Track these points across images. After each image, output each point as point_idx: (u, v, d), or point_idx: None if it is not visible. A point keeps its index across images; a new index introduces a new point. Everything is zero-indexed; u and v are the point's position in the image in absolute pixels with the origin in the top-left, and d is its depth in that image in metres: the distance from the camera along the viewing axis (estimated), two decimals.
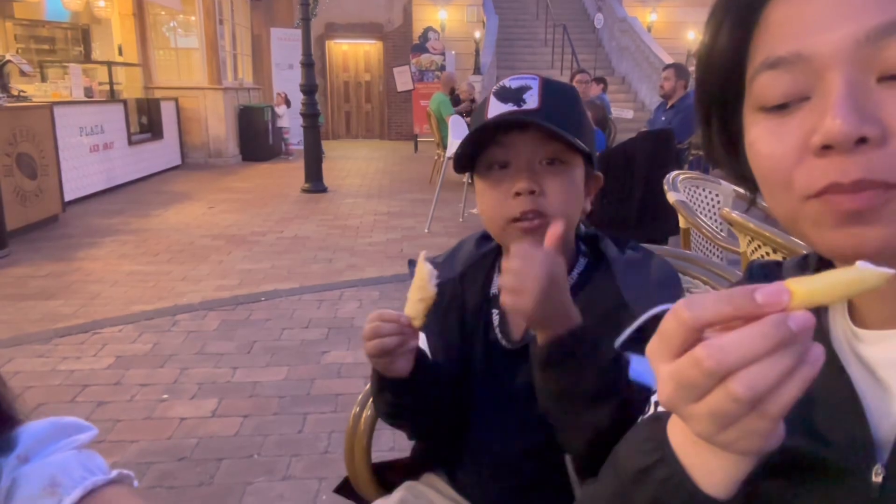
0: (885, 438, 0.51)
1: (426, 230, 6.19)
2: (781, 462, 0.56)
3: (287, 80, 13.08)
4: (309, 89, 8.36)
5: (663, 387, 0.42)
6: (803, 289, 0.39)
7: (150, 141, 9.79)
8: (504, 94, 0.95)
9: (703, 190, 2.65)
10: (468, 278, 1.11)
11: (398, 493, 1.16)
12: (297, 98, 12.36)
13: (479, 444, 1.06)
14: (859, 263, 0.40)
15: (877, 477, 0.50)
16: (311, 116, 8.45)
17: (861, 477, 0.50)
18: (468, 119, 9.03)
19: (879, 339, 0.53)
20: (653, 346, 0.43)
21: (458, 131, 7.04)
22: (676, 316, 0.41)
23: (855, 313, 0.56)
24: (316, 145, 8.47)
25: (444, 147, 7.67)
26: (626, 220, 4.69)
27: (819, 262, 0.61)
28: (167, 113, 10.46)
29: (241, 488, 2.30)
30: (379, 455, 1.25)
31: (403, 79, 14.21)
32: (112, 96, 9.22)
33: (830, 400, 0.54)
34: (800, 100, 0.49)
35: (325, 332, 3.75)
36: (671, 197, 2.46)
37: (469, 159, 0.98)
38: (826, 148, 0.46)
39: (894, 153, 0.45)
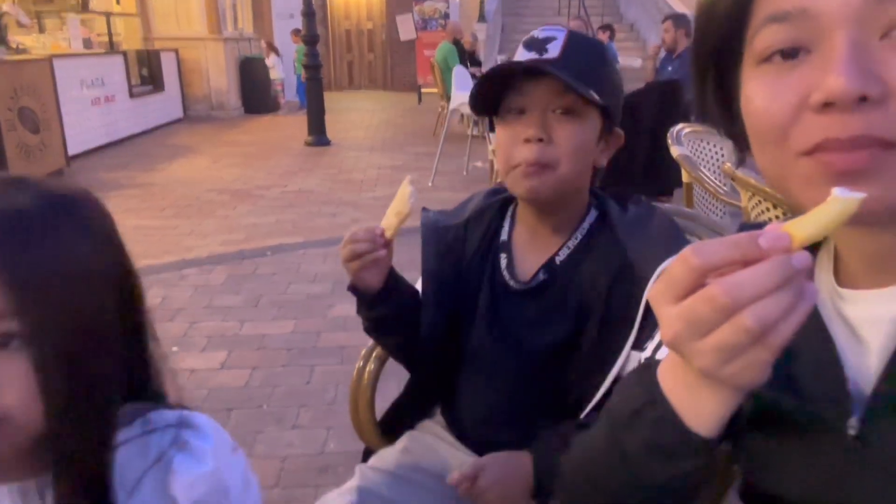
0: (861, 393, 0.53)
1: (430, 184, 6.17)
2: (764, 415, 0.59)
3: (288, 30, 12.82)
4: (311, 39, 8.23)
5: (669, 327, 0.45)
6: (799, 230, 0.43)
7: (152, 93, 9.70)
8: (530, 43, 0.98)
9: (707, 143, 2.64)
10: (472, 224, 1.15)
11: (401, 443, 1.21)
12: (284, 44, 12.10)
13: (480, 385, 1.11)
14: (836, 190, 0.44)
15: (851, 430, 0.52)
16: (313, 68, 8.33)
17: (837, 430, 0.53)
18: (473, 70, 8.90)
19: (861, 298, 0.55)
20: (658, 289, 0.46)
21: (461, 83, 6.94)
22: (685, 261, 0.44)
23: (839, 273, 0.58)
24: (318, 98, 8.38)
25: (448, 99, 7.57)
26: (632, 172, 4.66)
27: None
28: (167, 64, 10.32)
29: (251, 437, 2.38)
30: (382, 407, 1.30)
31: (406, 27, 13.93)
32: (111, 48, 9.09)
33: (812, 356, 0.56)
34: (800, 55, 0.49)
35: (331, 285, 3.80)
36: (675, 151, 2.45)
37: (491, 103, 1.01)
38: (826, 105, 0.46)
39: (892, 111, 0.45)
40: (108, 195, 5.82)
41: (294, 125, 9.91)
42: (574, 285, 1.02)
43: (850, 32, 0.46)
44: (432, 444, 1.19)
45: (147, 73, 9.84)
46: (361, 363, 1.36)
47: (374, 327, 1.15)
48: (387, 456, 1.19)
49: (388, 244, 1.04)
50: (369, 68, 17.00)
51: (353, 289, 1.10)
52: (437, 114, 9.29)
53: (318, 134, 8.44)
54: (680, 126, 2.56)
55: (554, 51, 0.96)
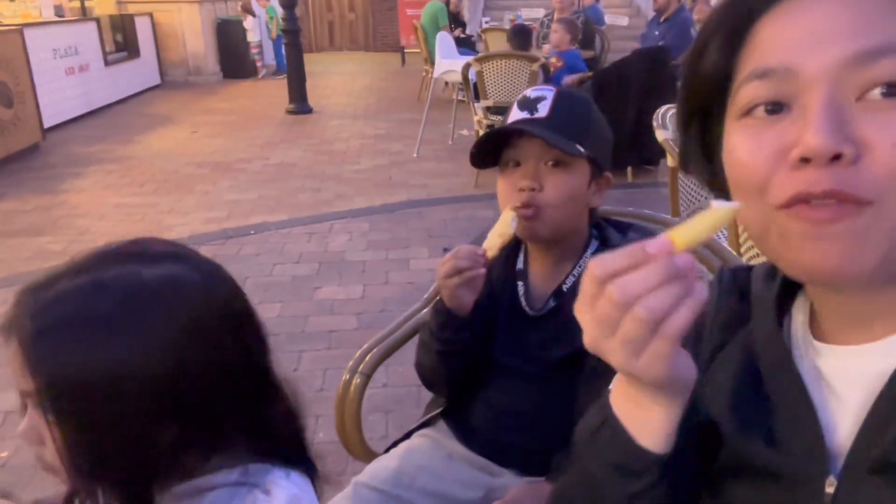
0: (839, 449, 0.54)
1: (415, 154, 6.11)
2: (741, 466, 0.60)
3: None
4: (289, 2, 7.99)
5: (587, 332, 0.51)
6: (681, 235, 0.49)
7: (127, 60, 9.44)
8: (523, 103, 1.11)
9: None
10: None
11: (395, 456, 1.23)
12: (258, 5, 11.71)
13: (492, 391, 1.18)
14: (714, 203, 0.51)
15: (829, 487, 0.53)
16: (292, 32, 8.12)
17: (815, 486, 0.54)
18: (457, 32, 8.73)
19: (838, 353, 0.56)
20: (577, 304, 0.52)
21: (445, 50, 6.82)
22: (589, 274, 0.50)
23: (816, 327, 0.59)
24: (299, 64, 8.19)
25: (432, 63, 7.43)
26: (619, 141, 4.63)
27: (784, 279, 0.63)
28: (142, 29, 10.02)
29: None
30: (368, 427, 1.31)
31: None
32: (84, 14, 8.80)
33: (789, 410, 0.57)
34: (780, 110, 0.51)
35: (317, 266, 3.78)
36: (660, 135, 2.43)
37: (492, 157, 1.14)
38: (803, 161, 0.48)
39: (865, 170, 0.47)
40: (86, 170, 5.73)
41: (274, 91, 9.71)
42: None
43: (828, 92, 0.48)
44: (429, 457, 1.22)
45: (121, 39, 9.55)
46: (347, 377, 1.37)
47: (451, 352, 1.16)
48: (381, 471, 1.21)
49: (487, 265, 1.10)
50: (350, 28, 16.60)
51: (446, 311, 1.12)
52: (420, 77, 9.13)
53: (299, 101, 8.28)
54: (665, 108, 2.53)
55: (543, 110, 1.08)
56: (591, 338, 0.51)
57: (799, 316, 0.61)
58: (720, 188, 0.60)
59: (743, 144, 0.53)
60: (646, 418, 0.55)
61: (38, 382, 0.63)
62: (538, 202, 1.08)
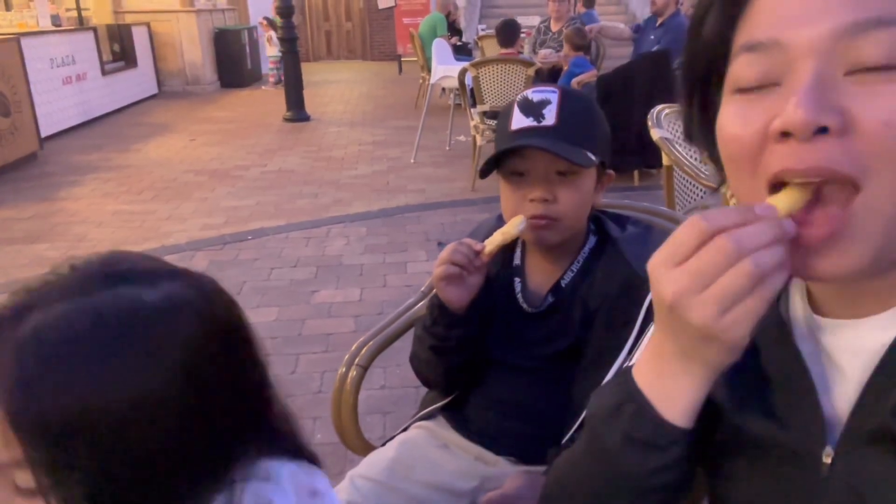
0: (837, 422, 0.54)
1: (412, 160, 6.12)
2: (739, 439, 0.60)
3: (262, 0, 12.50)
4: (286, 11, 8.03)
5: (674, 283, 0.50)
6: (781, 200, 0.50)
7: (124, 70, 9.46)
8: (526, 107, 1.07)
9: None
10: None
11: (391, 448, 1.23)
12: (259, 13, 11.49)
13: (490, 382, 1.18)
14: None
15: (827, 458, 0.53)
16: (289, 41, 8.15)
17: (812, 458, 0.54)
18: (454, 40, 8.76)
19: (839, 327, 0.56)
20: (662, 255, 0.51)
21: (441, 55, 6.84)
22: (694, 225, 0.50)
23: (815, 303, 0.59)
24: (296, 72, 8.22)
25: (429, 70, 7.46)
26: (625, 145, 4.65)
27: None
28: (140, 39, 10.05)
29: None
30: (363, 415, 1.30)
31: None
32: (81, 23, 8.83)
33: (787, 383, 0.57)
34: (771, 85, 0.50)
35: (314, 270, 3.78)
36: (654, 134, 2.44)
37: (494, 161, 1.10)
38: (785, 135, 0.48)
39: (853, 145, 0.46)
40: (83, 178, 5.73)
41: (272, 100, 9.73)
42: (578, 304, 1.11)
43: (817, 65, 0.47)
44: (425, 448, 1.22)
45: (119, 48, 9.58)
46: (344, 369, 1.37)
47: (442, 348, 1.15)
48: (377, 462, 1.21)
49: (483, 265, 1.08)
50: (348, 37, 16.66)
51: (439, 306, 1.11)
52: (417, 85, 9.16)
53: (296, 109, 8.29)
54: (660, 107, 2.54)
55: (550, 117, 1.04)
56: (675, 290, 0.50)
57: (796, 292, 0.61)
58: (719, 162, 0.59)
59: (734, 119, 0.53)
60: (674, 392, 0.55)
61: (43, 439, 0.52)
62: (552, 214, 1.07)
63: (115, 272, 0.60)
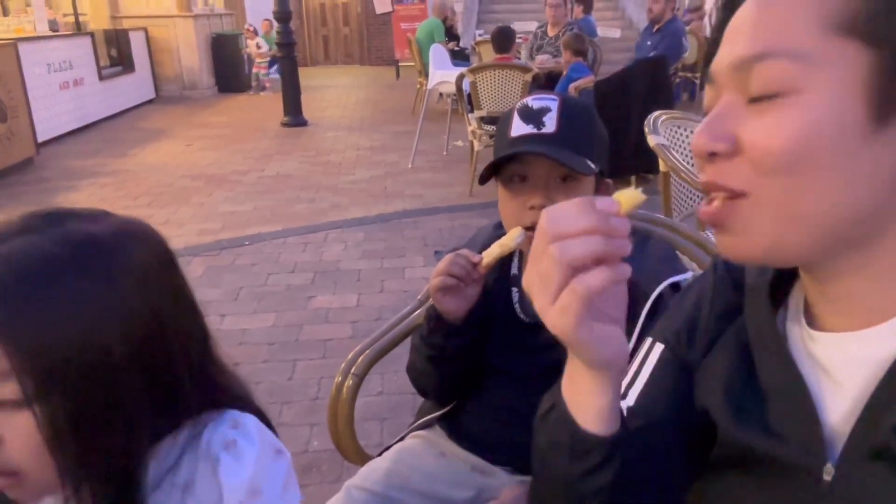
0: (837, 437, 0.53)
1: (410, 165, 6.12)
2: (739, 456, 0.60)
3: (260, 4, 12.50)
4: (283, 16, 8.03)
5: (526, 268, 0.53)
6: (627, 198, 0.52)
7: (122, 75, 9.45)
8: (526, 114, 1.06)
9: (685, 130, 2.64)
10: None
11: (388, 458, 1.22)
12: (258, 18, 11.51)
13: (487, 391, 1.18)
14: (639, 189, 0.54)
15: (827, 475, 0.53)
16: (286, 46, 8.16)
17: (813, 474, 0.53)
18: (451, 45, 8.77)
19: (834, 340, 0.55)
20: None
21: (439, 60, 6.85)
22: (540, 231, 0.51)
23: (810, 316, 0.58)
24: (294, 77, 8.22)
25: (427, 75, 7.46)
26: (622, 150, 4.65)
27: (778, 269, 0.63)
28: (137, 44, 10.05)
29: None
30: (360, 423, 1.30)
31: (382, 0, 13.65)
32: (78, 28, 8.83)
33: (785, 398, 0.57)
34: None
35: (311, 276, 3.77)
36: (651, 140, 2.44)
37: (492, 167, 1.09)
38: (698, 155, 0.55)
39: (737, 165, 0.52)
40: (80, 184, 5.72)
41: (269, 105, 9.73)
42: None
43: (729, 94, 0.53)
44: (421, 458, 1.21)
45: (116, 53, 9.57)
46: (340, 378, 1.36)
47: (439, 357, 1.14)
48: (373, 473, 1.20)
49: (479, 279, 1.08)
50: (345, 42, 16.69)
51: (436, 316, 1.10)
52: (415, 90, 9.17)
53: (294, 114, 8.29)
54: (657, 113, 2.55)
55: (550, 124, 1.04)
56: (527, 275, 0.52)
57: (793, 305, 0.61)
58: None
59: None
60: (583, 399, 0.57)
61: (18, 359, 0.57)
62: None
63: (60, 213, 0.65)
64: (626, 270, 0.50)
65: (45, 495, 0.65)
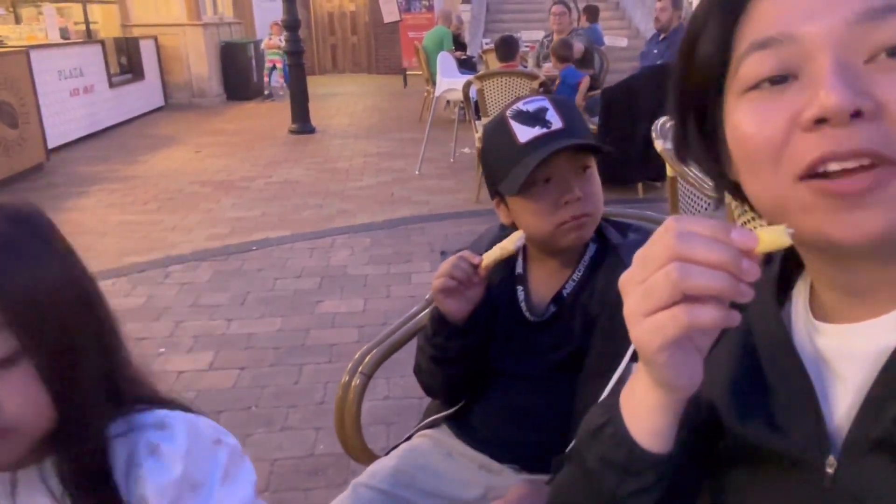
0: (839, 430, 0.53)
1: (417, 172, 6.14)
2: (741, 449, 0.59)
3: (269, 13, 12.61)
4: (292, 25, 8.10)
5: (631, 268, 0.50)
6: (766, 236, 0.47)
7: (132, 82, 9.55)
8: (525, 118, 1.07)
9: None
10: None
11: (394, 457, 1.22)
12: (264, 27, 11.57)
13: (493, 391, 1.18)
14: (786, 229, 0.48)
15: (830, 468, 0.52)
16: (295, 54, 8.22)
17: (815, 467, 0.53)
18: (459, 53, 8.81)
19: (837, 332, 0.55)
20: (630, 272, 0.51)
21: (446, 68, 6.88)
22: (668, 222, 0.49)
23: (815, 306, 0.58)
24: (302, 84, 8.27)
25: (434, 83, 7.50)
26: (629, 157, 4.65)
27: (784, 261, 0.62)
28: (147, 52, 10.15)
29: (240, 440, 2.33)
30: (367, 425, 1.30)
31: (389, 8, 13.69)
32: (89, 36, 8.92)
33: (788, 392, 0.56)
34: (787, 80, 0.49)
35: (318, 281, 3.78)
36: (659, 145, 2.44)
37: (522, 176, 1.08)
38: (819, 122, 0.46)
39: (888, 127, 0.45)
40: (89, 189, 5.76)
41: (277, 112, 9.80)
42: (579, 313, 1.12)
43: (835, 55, 0.46)
44: (428, 457, 1.21)
45: (126, 61, 9.66)
46: (347, 378, 1.36)
47: (442, 358, 1.15)
48: (380, 471, 1.20)
49: (480, 281, 1.09)
50: (353, 51, 16.79)
51: (439, 317, 1.12)
52: (422, 98, 9.21)
53: (302, 121, 8.34)
54: (664, 119, 2.55)
55: (556, 121, 1.06)
56: (629, 273, 0.50)
57: (799, 298, 0.60)
58: (721, 176, 0.59)
59: (749, 118, 0.51)
60: (645, 416, 0.54)
61: (7, 314, 0.63)
62: (589, 210, 1.08)
63: None
64: (736, 318, 0.47)
65: (25, 458, 0.70)
